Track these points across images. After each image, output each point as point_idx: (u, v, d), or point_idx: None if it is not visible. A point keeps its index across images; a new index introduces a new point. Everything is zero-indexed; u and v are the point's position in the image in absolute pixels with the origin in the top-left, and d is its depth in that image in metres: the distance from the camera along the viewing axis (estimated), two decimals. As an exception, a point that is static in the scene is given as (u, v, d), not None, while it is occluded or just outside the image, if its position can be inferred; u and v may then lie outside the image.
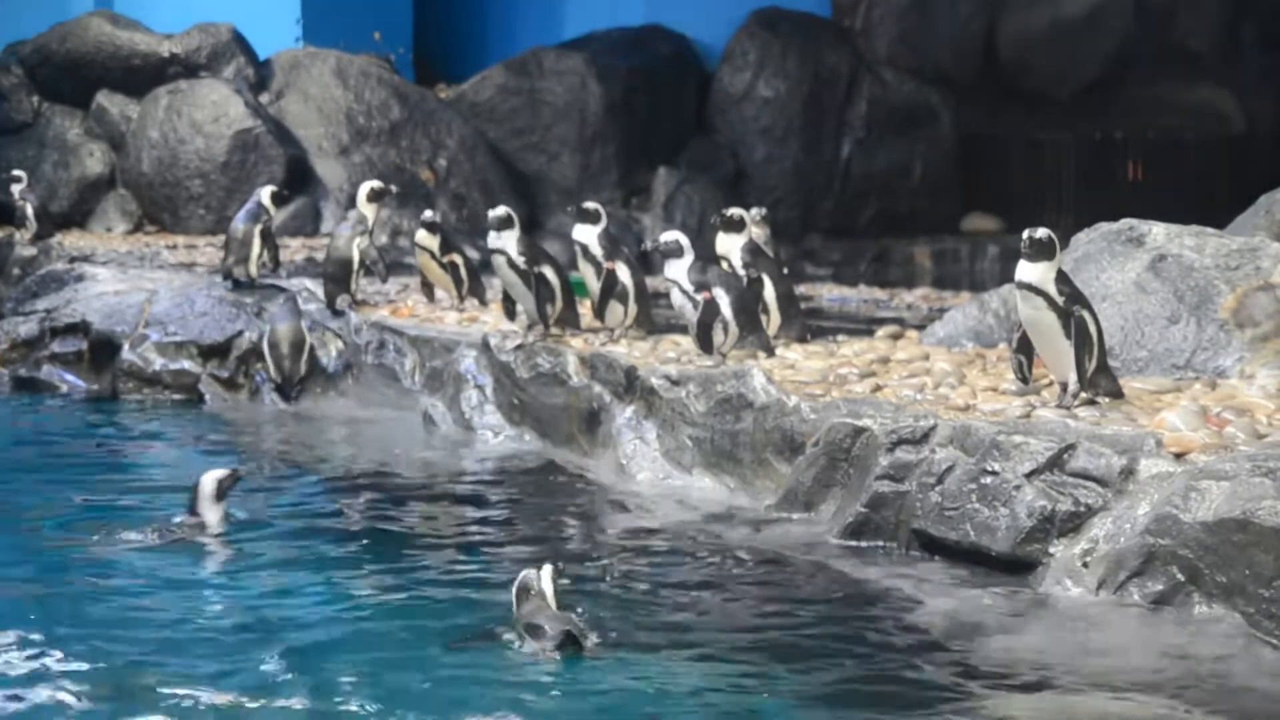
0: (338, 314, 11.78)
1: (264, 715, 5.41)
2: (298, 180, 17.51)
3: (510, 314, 10.53)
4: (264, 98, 18.30)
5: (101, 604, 6.65)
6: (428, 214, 12.06)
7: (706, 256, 9.97)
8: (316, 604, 6.75)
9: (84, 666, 5.82)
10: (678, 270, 9.18)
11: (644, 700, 5.58)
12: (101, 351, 12.06)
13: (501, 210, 10.14)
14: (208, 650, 6.06)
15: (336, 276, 12.01)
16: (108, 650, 6.01)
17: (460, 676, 5.75)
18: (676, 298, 9.24)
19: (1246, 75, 21.29)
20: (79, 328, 12.26)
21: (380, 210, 12.59)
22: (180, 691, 5.57)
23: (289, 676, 5.77)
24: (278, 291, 12.27)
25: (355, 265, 11.96)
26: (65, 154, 18.08)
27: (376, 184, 12.53)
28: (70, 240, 16.23)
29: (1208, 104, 21.42)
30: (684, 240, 9.27)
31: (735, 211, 10.28)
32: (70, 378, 12.14)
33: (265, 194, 12.70)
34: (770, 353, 9.39)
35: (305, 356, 11.54)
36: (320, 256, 15.38)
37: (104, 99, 18.19)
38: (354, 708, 5.45)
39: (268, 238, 12.47)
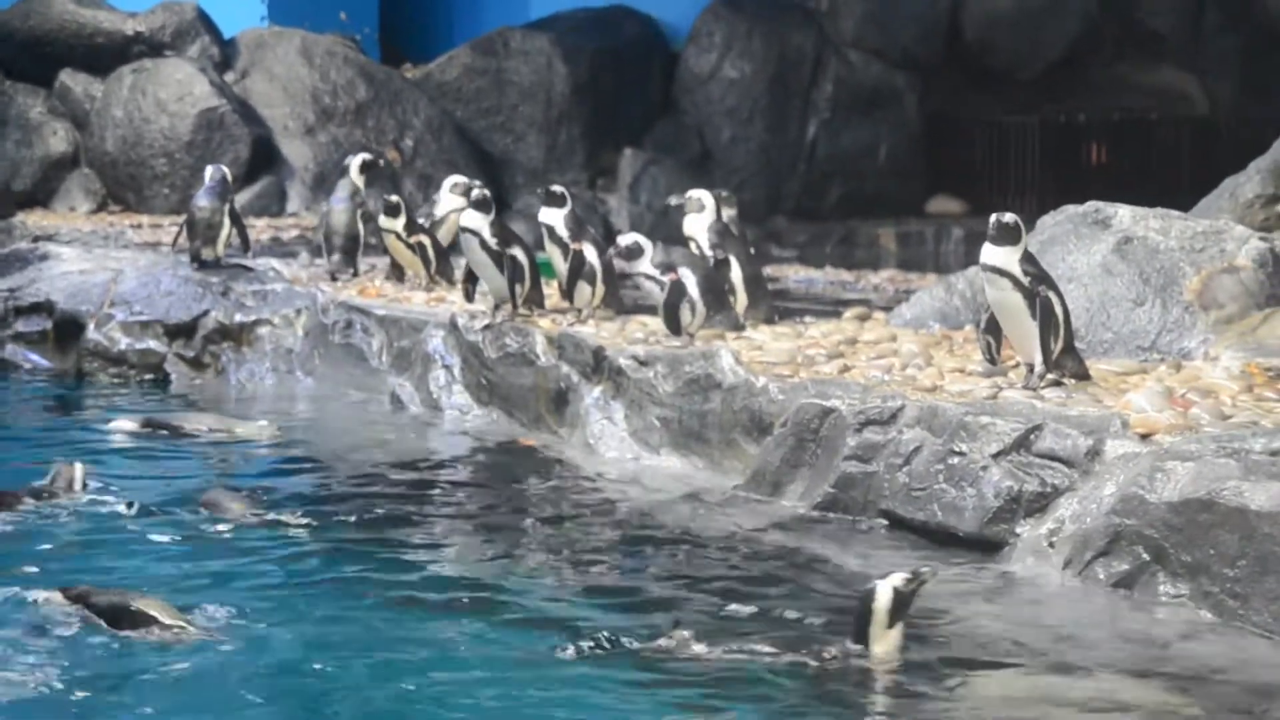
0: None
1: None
2: (263, 160, 17.45)
3: (469, 296, 10.53)
4: (229, 77, 18.20)
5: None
6: (394, 197, 12.04)
7: (672, 238, 10.03)
8: (275, 584, 6.74)
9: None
10: (642, 265, 9.31)
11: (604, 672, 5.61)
12: (66, 331, 11.99)
13: (479, 192, 10.14)
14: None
15: (347, 249, 12.19)
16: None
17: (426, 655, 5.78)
18: (644, 282, 9.32)
19: (1210, 57, 21.35)
20: (43, 307, 12.18)
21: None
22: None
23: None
24: (244, 271, 12.24)
25: (362, 236, 12.10)
26: (28, 133, 17.93)
27: (368, 156, 12.60)
28: (33, 219, 16.13)
29: (1171, 86, 21.49)
30: (643, 240, 9.43)
31: (697, 193, 10.33)
32: (34, 357, 12.08)
33: (227, 172, 12.67)
34: (740, 330, 9.44)
35: None
36: (287, 236, 15.39)
37: (67, 77, 18.05)
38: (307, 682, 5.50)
39: (236, 218, 12.45)
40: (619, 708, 5.32)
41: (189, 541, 7.33)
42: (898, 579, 5.67)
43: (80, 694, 5.36)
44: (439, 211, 12.23)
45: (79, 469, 8.05)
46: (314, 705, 5.39)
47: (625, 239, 9.55)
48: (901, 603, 5.64)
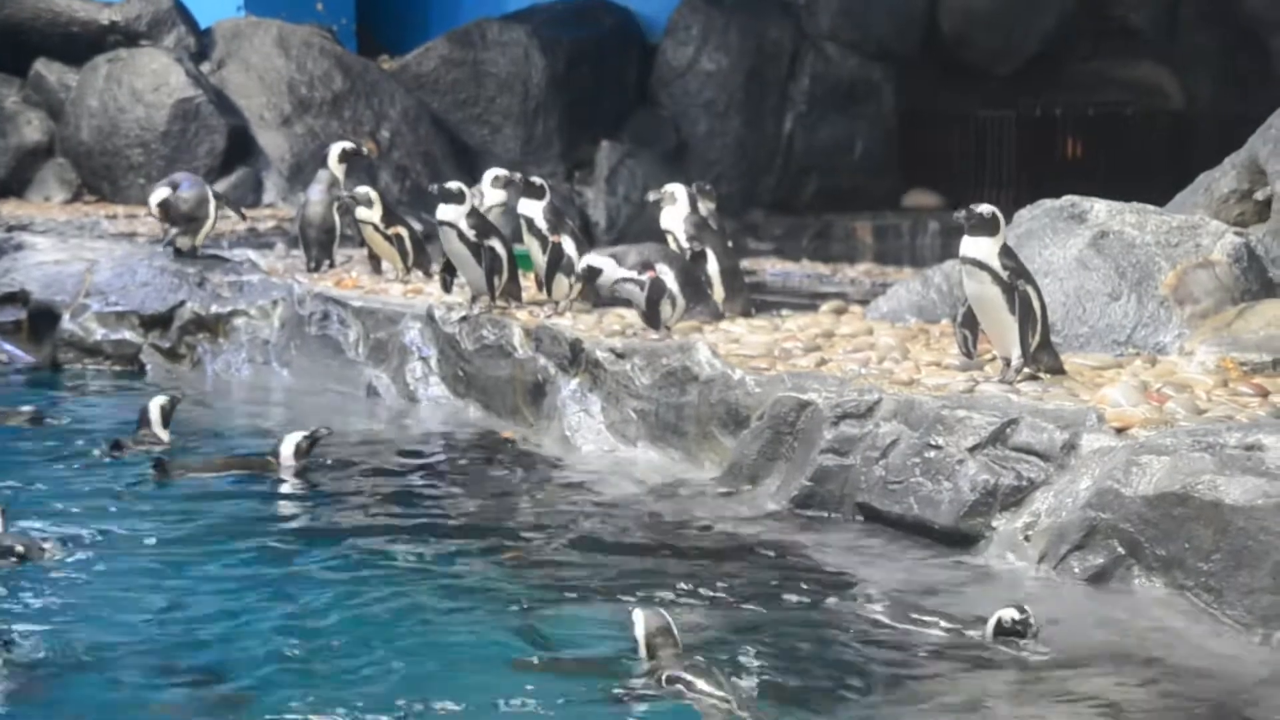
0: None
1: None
2: (239, 150, 17.42)
3: (447, 287, 10.53)
4: (205, 67, 18.16)
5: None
6: (360, 189, 12.05)
7: (650, 231, 10.03)
8: (249, 574, 6.73)
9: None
10: (615, 275, 9.29)
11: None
12: (41, 321, 11.95)
13: (453, 184, 10.15)
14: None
15: (322, 241, 12.20)
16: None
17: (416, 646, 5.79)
18: (624, 286, 9.30)
19: (1186, 52, 21.43)
20: (18, 297, 12.14)
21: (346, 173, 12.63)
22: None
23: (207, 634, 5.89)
24: (220, 261, 12.22)
25: (338, 228, 12.09)
26: (2, 122, 17.84)
27: (348, 145, 12.64)
28: (8, 209, 16.08)
29: (1147, 81, 21.56)
30: (595, 260, 9.39)
31: (671, 187, 10.35)
32: (9, 348, 12.02)
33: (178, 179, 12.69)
34: (719, 318, 9.47)
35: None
36: (263, 227, 15.36)
37: (42, 67, 17.99)
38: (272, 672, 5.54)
39: (221, 197, 12.43)
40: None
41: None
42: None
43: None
44: (482, 206, 12.24)
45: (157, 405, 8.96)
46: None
47: (580, 266, 9.48)
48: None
